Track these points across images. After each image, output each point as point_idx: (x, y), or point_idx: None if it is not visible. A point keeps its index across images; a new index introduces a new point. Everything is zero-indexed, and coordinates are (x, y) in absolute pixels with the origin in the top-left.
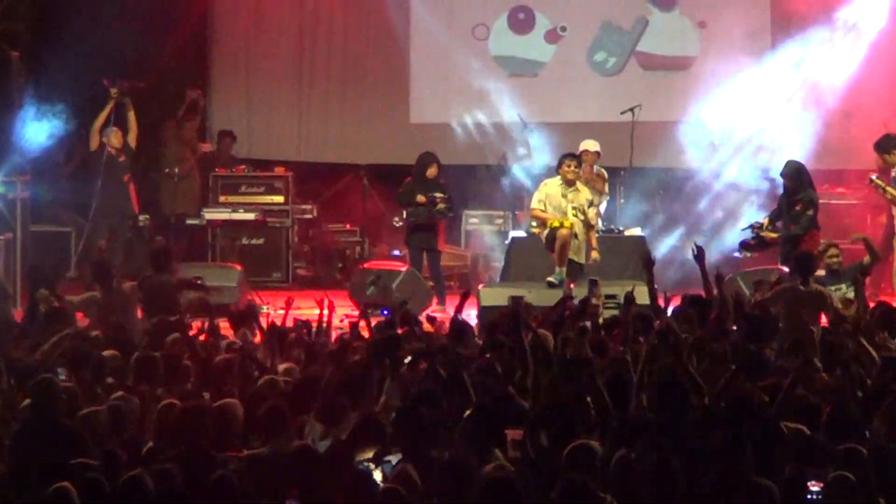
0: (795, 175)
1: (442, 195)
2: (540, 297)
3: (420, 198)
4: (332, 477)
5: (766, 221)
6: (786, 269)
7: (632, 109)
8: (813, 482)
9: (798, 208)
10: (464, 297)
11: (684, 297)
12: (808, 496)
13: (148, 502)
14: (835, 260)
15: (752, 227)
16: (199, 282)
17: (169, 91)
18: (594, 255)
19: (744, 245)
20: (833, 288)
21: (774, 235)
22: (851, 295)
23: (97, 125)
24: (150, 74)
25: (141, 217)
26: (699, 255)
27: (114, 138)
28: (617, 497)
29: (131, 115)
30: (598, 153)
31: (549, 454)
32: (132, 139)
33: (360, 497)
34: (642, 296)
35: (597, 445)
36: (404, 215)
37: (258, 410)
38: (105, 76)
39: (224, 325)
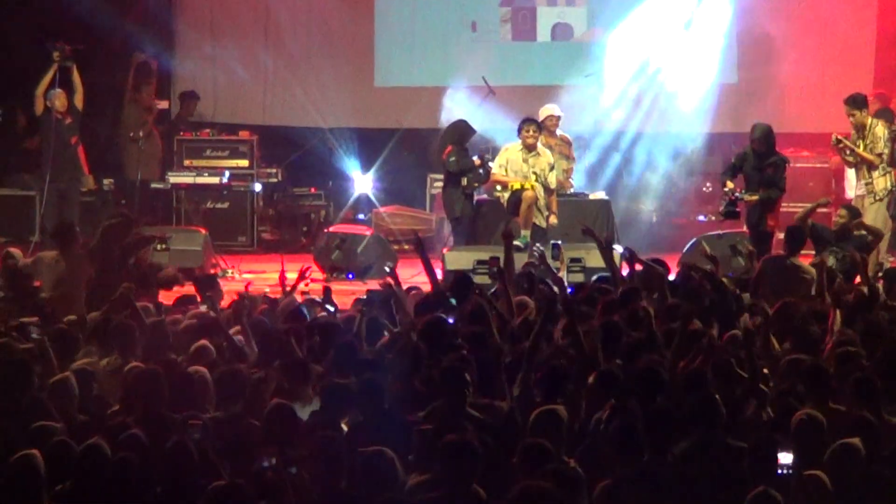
0: (765, 138)
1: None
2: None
3: (476, 160)
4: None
5: (730, 184)
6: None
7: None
8: (783, 453)
9: (770, 171)
10: (420, 251)
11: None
12: (780, 471)
13: (107, 470)
14: (842, 221)
15: (727, 195)
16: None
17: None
18: (552, 219)
19: (728, 215)
20: (832, 250)
21: (755, 198)
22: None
23: (40, 90)
24: (115, 39)
25: (105, 181)
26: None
27: (57, 101)
28: (583, 462)
29: (76, 77)
30: (559, 117)
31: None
32: (78, 101)
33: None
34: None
35: (563, 411)
36: (464, 182)
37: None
38: (55, 40)
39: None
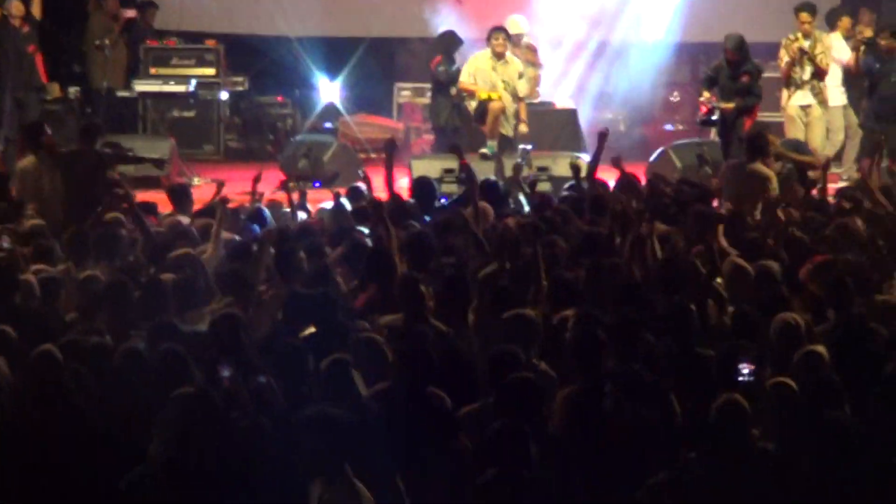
0: (738, 47)
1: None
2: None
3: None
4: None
5: (707, 94)
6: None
7: None
8: (744, 363)
9: (745, 79)
10: (389, 154)
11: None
12: (740, 377)
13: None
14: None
15: (703, 104)
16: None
17: None
18: (522, 127)
19: (705, 123)
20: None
21: (731, 106)
22: None
23: None
24: None
25: (71, 90)
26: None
27: (14, 8)
28: (553, 363)
29: None
30: (524, 34)
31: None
32: (36, 9)
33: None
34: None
35: (533, 314)
36: (452, 91)
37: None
38: None
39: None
